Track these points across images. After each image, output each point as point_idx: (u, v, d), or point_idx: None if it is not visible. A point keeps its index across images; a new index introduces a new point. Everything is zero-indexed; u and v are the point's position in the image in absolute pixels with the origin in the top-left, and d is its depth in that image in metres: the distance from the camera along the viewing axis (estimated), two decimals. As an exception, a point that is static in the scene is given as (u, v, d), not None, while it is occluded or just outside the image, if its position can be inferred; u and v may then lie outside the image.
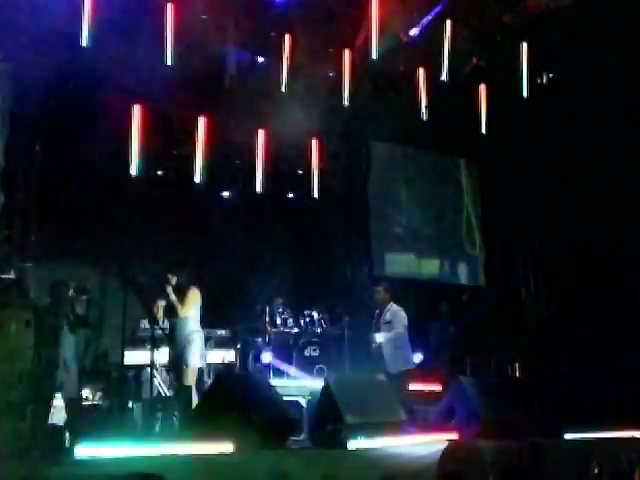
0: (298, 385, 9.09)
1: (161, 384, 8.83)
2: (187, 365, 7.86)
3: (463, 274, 14.37)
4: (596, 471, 5.83)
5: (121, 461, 5.38)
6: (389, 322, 9.32)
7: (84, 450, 5.41)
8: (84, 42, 8.88)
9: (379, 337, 9.17)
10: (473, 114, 11.85)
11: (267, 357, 9.58)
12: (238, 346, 9.57)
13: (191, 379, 7.88)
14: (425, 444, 6.79)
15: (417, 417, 8.64)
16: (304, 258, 11.50)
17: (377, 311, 9.57)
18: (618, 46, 10.45)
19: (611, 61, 10.63)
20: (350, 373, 9.42)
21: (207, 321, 9.59)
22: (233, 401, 6.45)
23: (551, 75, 11.72)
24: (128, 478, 3.39)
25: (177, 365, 7.95)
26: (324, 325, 10.38)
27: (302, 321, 10.28)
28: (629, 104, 11.11)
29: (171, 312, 8.10)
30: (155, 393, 8.64)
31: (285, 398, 7.55)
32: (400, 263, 13.63)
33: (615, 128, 11.61)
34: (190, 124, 10.80)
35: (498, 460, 6.04)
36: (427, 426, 8.09)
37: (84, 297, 8.20)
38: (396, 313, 9.37)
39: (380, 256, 13.40)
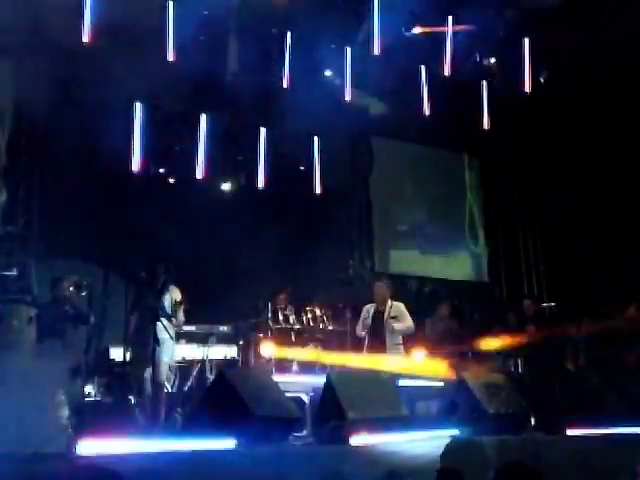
0: (300, 381, 9.08)
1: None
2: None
3: (466, 271, 14.37)
4: None
5: (122, 458, 5.38)
6: (395, 317, 9.44)
7: (85, 446, 5.40)
8: (85, 38, 8.89)
9: (398, 326, 9.30)
10: (475, 110, 11.83)
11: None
12: (240, 342, 9.57)
13: None
14: (427, 440, 6.78)
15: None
16: (306, 254, 11.50)
17: (370, 307, 9.63)
18: (620, 41, 10.42)
19: (613, 56, 10.60)
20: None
21: (209, 317, 9.63)
22: (235, 397, 6.45)
23: (553, 71, 11.69)
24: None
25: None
26: (326, 321, 10.38)
27: (304, 317, 10.27)
28: (631, 99, 11.10)
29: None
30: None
31: (287, 394, 7.54)
32: (403, 260, 13.63)
33: (618, 124, 11.60)
34: (192, 121, 10.81)
35: (500, 456, 6.03)
36: (429, 422, 8.09)
37: (83, 293, 8.20)
38: (401, 308, 9.52)
39: (383, 253, 13.40)
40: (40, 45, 9.12)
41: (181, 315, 8.20)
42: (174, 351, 8.32)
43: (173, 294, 8.13)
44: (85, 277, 8.44)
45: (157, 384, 7.88)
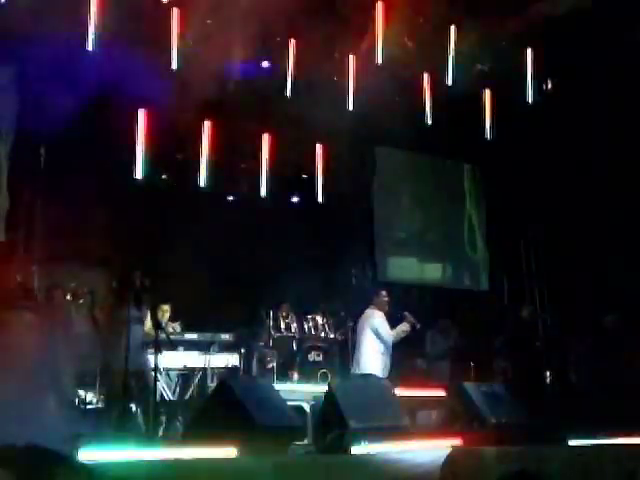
0: (302, 390, 9.08)
1: (164, 388, 8.84)
2: None
3: (466, 279, 14.38)
4: None
5: (123, 466, 5.37)
6: None
7: (86, 454, 5.39)
8: (89, 46, 8.92)
9: None
10: (477, 119, 11.85)
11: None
12: (242, 350, 9.56)
13: None
14: (428, 450, 6.77)
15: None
16: (308, 262, 11.50)
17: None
18: (623, 51, 10.45)
19: (615, 66, 10.63)
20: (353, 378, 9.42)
21: (211, 325, 9.63)
22: (236, 405, 6.44)
23: (556, 80, 11.72)
24: None
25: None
26: (327, 330, 10.37)
27: (306, 326, 10.28)
28: (633, 109, 11.12)
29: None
30: (158, 397, 8.63)
31: (289, 403, 7.53)
32: (403, 268, 13.65)
33: (619, 133, 11.61)
34: (195, 128, 10.83)
35: (500, 466, 6.02)
36: (430, 432, 8.07)
37: (81, 301, 8.23)
38: None
39: (383, 260, 13.41)
40: (42, 50, 9.15)
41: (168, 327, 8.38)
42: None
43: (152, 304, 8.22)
44: (87, 283, 8.45)
45: (147, 391, 7.89)
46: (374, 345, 9.24)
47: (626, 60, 10.40)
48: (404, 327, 9.49)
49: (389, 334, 9.34)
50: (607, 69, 10.71)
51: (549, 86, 11.72)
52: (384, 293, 9.70)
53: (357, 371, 9.25)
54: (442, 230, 14.17)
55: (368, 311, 9.48)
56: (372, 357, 9.22)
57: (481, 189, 14.76)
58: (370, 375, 9.11)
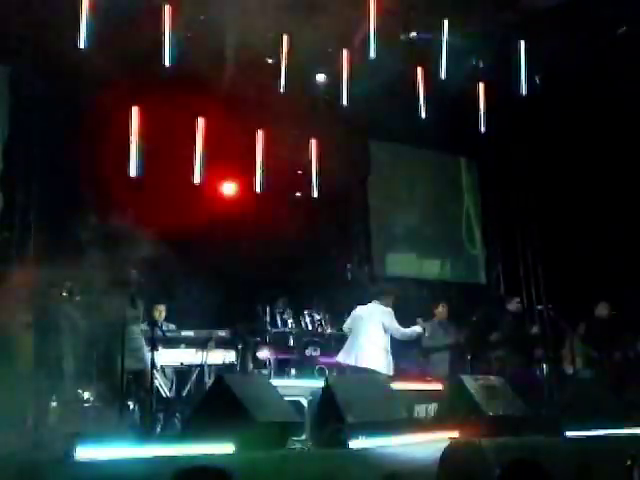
0: (299, 385, 9.07)
1: (162, 385, 8.83)
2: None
3: (464, 273, 14.37)
4: (629, 463, 5.79)
5: (121, 463, 5.37)
6: None
7: (84, 452, 5.38)
8: (82, 43, 8.89)
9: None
10: (472, 112, 11.83)
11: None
12: (239, 346, 9.56)
13: None
14: (426, 443, 6.77)
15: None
16: (304, 258, 11.49)
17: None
18: (617, 43, 10.44)
19: (609, 58, 10.62)
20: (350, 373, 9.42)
21: (207, 321, 9.62)
22: (234, 401, 6.44)
23: (550, 72, 11.70)
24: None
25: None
26: (324, 325, 10.37)
27: (302, 321, 10.27)
28: (628, 101, 11.11)
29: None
30: (155, 394, 8.62)
31: (286, 398, 7.53)
32: (400, 263, 13.63)
33: (614, 125, 11.62)
34: (188, 125, 10.80)
35: (499, 458, 6.02)
36: (428, 425, 8.08)
37: (77, 298, 8.21)
38: None
39: (380, 256, 13.40)
40: (36, 49, 9.13)
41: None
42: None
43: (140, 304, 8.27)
44: (79, 283, 8.42)
45: (146, 390, 7.91)
46: (382, 341, 9.27)
47: (623, 47, 10.39)
48: (418, 329, 9.63)
49: (401, 332, 9.41)
50: (603, 57, 10.69)
51: (543, 78, 11.69)
52: (392, 289, 9.75)
53: (358, 365, 9.19)
54: (440, 225, 14.16)
55: (373, 306, 9.48)
56: (378, 353, 9.22)
57: (478, 183, 14.75)
58: (368, 370, 9.10)
